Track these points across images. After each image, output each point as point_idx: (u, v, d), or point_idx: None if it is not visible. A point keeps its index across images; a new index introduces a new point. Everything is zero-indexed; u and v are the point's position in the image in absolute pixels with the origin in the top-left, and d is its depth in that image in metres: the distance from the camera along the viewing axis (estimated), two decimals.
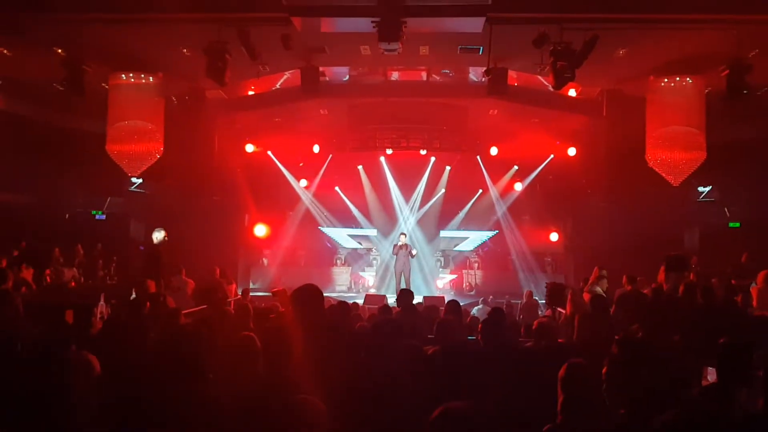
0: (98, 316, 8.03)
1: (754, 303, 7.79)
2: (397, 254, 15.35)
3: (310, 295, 4.36)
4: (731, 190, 15.11)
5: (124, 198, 15.72)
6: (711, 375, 4.89)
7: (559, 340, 6.06)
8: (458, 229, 18.77)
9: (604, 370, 3.40)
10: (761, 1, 8.43)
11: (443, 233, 18.77)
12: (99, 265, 14.09)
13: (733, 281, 10.07)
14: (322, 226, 18.67)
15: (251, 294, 12.80)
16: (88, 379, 3.90)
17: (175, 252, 10.55)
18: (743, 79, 10.00)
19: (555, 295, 9.11)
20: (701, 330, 6.55)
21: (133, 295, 8.96)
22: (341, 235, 18.89)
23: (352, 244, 18.88)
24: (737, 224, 14.99)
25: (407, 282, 15.09)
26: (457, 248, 18.76)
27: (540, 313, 12.65)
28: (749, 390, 4.17)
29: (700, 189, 15.50)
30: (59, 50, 10.28)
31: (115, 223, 15.69)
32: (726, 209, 15.29)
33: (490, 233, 18.50)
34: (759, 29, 9.06)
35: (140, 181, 14.59)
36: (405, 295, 7.69)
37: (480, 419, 2.33)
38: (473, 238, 18.72)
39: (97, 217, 15.87)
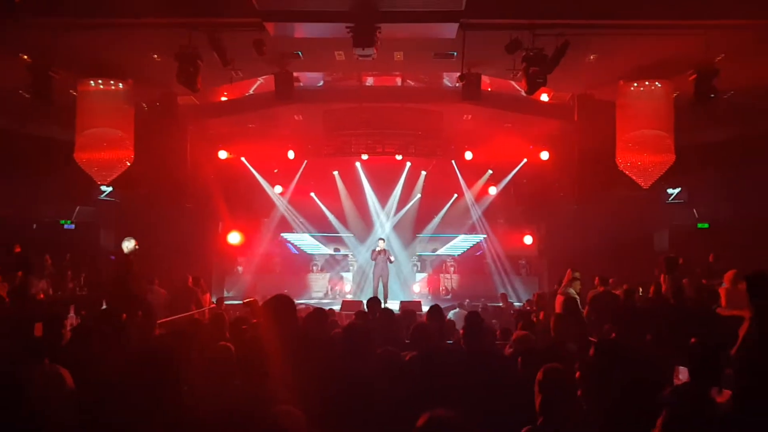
0: (68, 328, 7.87)
1: (723, 303, 7.92)
2: (375, 259, 15.34)
3: (281, 305, 4.33)
4: (700, 191, 15.37)
5: (94, 207, 15.46)
6: (682, 374, 4.95)
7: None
8: (435, 233, 18.82)
9: (577, 375, 3.44)
10: (728, 7, 8.58)
11: (430, 234, 18.84)
12: (68, 275, 13.84)
13: (703, 281, 10.23)
14: (285, 233, 18.57)
15: (226, 303, 12.71)
16: (60, 394, 3.83)
17: (147, 261, 10.42)
18: (710, 83, 10.19)
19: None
20: (672, 330, 6.65)
21: (104, 306, 8.84)
22: (306, 241, 18.79)
23: (319, 250, 18.78)
24: (706, 225, 15.24)
25: (385, 287, 15.09)
26: (441, 251, 18.78)
27: None
28: (720, 388, 4.26)
29: (670, 191, 15.74)
30: (25, 56, 10.08)
31: (84, 232, 15.42)
32: (695, 210, 15.54)
33: (477, 237, 18.57)
34: (725, 34, 9.23)
35: (110, 189, 14.37)
36: (373, 302, 7.71)
37: (465, 426, 2.32)
38: (460, 241, 18.78)
39: (65, 226, 15.59)
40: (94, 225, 15.57)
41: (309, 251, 18.83)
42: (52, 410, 3.51)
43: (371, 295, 15.00)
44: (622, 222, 14.56)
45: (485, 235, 18.33)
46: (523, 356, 4.63)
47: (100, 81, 11.38)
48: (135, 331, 6.01)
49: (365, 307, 8.10)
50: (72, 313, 8.89)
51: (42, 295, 11.66)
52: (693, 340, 4.37)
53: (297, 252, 18.86)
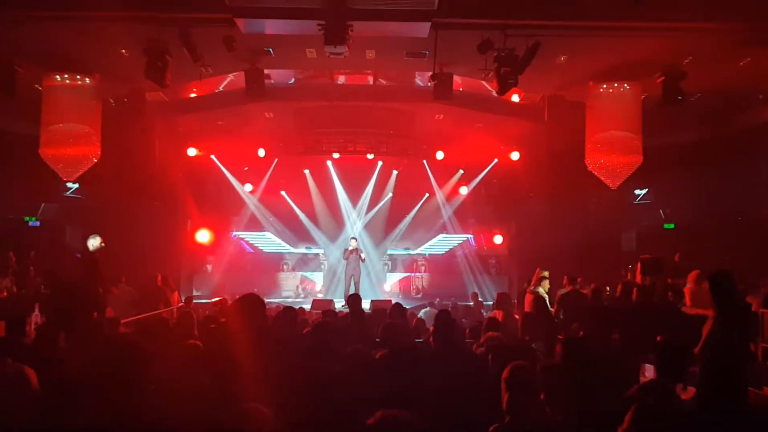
0: (33, 326, 7.72)
1: (687, 302, 8.06)
2: (348, 258, 15.30)
3: (250, 305, 4.30)
4: (666, 192, 15.62)
5: (59, 204, 15.17)
6: (648, 371, 5.02)
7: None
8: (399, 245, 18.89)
9: (541, 376, 3.46)
10: (695, 10, 8.73)
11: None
12: (32, 273, 13.54)
13: (669, 280, 10.39)
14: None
15: (195, 301, 12.57)
16: (24, 394, 3.73)
17: (114, 259, 10.26)
18: (678, 85, 10.38)
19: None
20: (639, 328, 6.74)
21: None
22: (265, 240, 18.67)
23: (280, 249, 18.68)
24: (672, 225, 15.49)
25: (357, 286, 15.06)
26: (420, 250, 18.83)
27: (484, 314, 12.82)
28: (684, 385, 4.34)
29: (637, 192, 15.97)
30: None
31: (49, 229, 15.11)
32: (661, 211, 15.78)
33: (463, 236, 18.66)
34: (693, 37, 9.40)
35: (76, 186, 14.13)
36: (354, 299, 7.66)
37: (418, 426, 2.31)
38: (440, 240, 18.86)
39: (30, 223, 15.26)
40: (60, 222, 15.26)
41: (267, 250, 18.66)
42: (15, 411, 3.42)
43: (342, 295, 15.05)
44: (591, 222, 14.75)
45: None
46: (493, 354, 4.66)
47: (66, 76, 11.18)
48: (99, 330, 5.92)
49: (346, 305, 8.07)
50: (37, 312, 8.69)
51: (6, 293, 11.40)
52: (659, 338, 4.45)
53: (252, 251, 18.66)
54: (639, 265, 9.12)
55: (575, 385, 3.33)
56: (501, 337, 5.71)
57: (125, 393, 3.27)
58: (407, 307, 10.23)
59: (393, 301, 14.16)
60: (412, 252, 18.78)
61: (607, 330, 7.15)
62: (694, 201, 14.50)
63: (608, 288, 10.22)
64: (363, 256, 15.55)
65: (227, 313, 5.23)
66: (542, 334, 6.12)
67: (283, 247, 18.60)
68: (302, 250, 18.73)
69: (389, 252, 18.81)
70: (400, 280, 18.26)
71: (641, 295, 8.11)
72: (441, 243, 18.72)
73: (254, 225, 18.22)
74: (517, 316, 9.29)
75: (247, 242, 18.65)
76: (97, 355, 4.54)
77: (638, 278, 9.21)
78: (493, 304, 11.57)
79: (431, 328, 5.51)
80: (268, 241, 18.58)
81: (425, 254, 18.74)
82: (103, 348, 4.76)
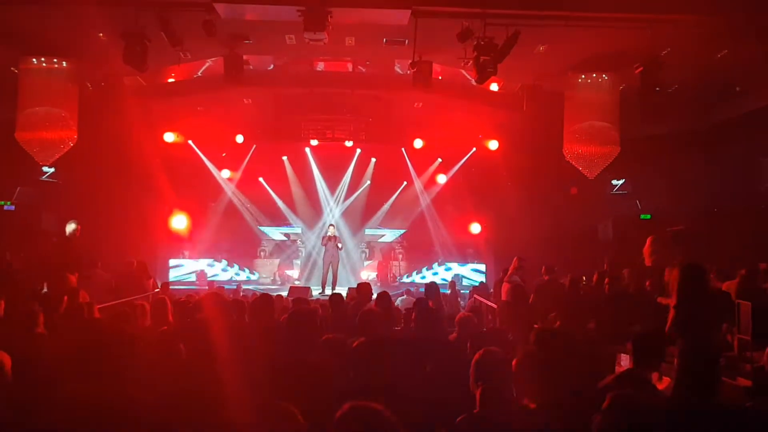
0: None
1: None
2: (326, 245, 15.23)
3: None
4: (643, 183, 15.78)
5: (35, 188, 14.96)
6: (624, 361, 5.09)
7: (483, 330, 6.20)
8: (379, 227, 18.95)
9: (514, 361, 3.49)
10: (674, 1, 8.81)
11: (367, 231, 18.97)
12: (6, 257, 13.34)
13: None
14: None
15: (171, 288, 12.48)
16: None
17: (91, 244, 10.15)
18: (656, 76, 10.47)
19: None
20: (614, 317, 6.84)
21: (45, 290, 8.60)
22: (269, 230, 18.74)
23: (279, 236, 18.70)
24: (648, 216, 15.66)
25: (335, 274, 15.03)
26: (380, 240, 18.91)
27: (462, 303, 12.92)
28: (660, 375, 4.41)
29: (614, 182, 16.12)
30: None
31: (25, 214, 14.90)
32: (638, 201, 15.95)
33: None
34: (671, 28, 9.47)
35: (52, 170, 13.93)
36: (336, 300, 7.58)
37: (388, 418, 2.32)
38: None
39: (5, 207, 15.04)
40: (36, 207, 15.06)
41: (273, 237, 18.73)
42: None
43: (320, 282, 15.05)
44: (568, 212, 14.87)
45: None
46: (471, 340, 4.70)
47: (43, 59, 11.02)
48: (73, 315, 5.86)
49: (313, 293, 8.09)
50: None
51: None
52: (634, 328, 4.52)
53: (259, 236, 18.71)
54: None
55: (549, 374, 3.36)
56: (473, 318, 5.75)
57: (102, 377, 3.27)
58: None
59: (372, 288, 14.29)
60: (379, 232, 18.95)
61: (584, 320, 7.25)
62: (671, 192, 14.67)
63: (584, 278, 10.33)
64: (340, 245, 15.53)
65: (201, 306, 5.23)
66: (518, 323, 6.17)
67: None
68: (280, 236, 18.72)
69: (367, 234, 18.87)
70: (378, 267, 18.28)
71: (615, 284, 8.22)
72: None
73: (232, 211, 18.11)
74: (493, 305, 9.39)
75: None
76: (72, 340, 4.53)
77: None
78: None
79: (413, 316, 5.55)
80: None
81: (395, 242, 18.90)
82: (78, 333, 4.74)
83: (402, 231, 18.87)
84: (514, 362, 3.43)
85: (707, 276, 5.77)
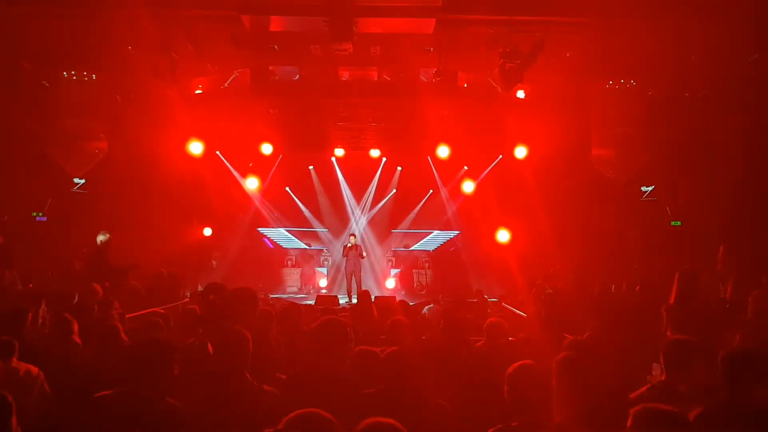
0: (40, 321, 7.74)
1: None
2: (347, 256, 15.27)
3: (247, 299, 4.31)
4: (672, 189, 15.55)
5: (66, 199, 15.21)
6: (655, 370, 4.99)
7: (511, 339, 6.13)
8: (409, 228, 18.85)
9: (554, 373, 3.43)
10: (703, 6, 8.69)
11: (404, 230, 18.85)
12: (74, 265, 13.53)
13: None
14: (261, 228, 18.47)
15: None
16: (30, 392, 3.71)
17: (120, 255, 10.28)
18: (685, 81, 10.34)
19: None
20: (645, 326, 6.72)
21: (76, 299, 8.69)
22: (281, 236, 18.72)
23: (294, 244, 18.73)
24: (678, 222, 15.43)
25: (358, 283, 15.05)
26: (415, 247, 18.84)
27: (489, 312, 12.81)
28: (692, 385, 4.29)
29: (643, 189, 15.90)
30: None
31: (56, 225, 15.16)
32: (667, 208, 15.72)
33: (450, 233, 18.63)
34: (701, 33, 9.35)
35: (83, 181, 14.16)
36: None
37: None
38: (432, 237, 18.85)
39: (37, 218, 15.31)
40: (67, 218, 15.31)
41: (284, 245, 18.74)
42: (20, 410, 3.40)
43: (345, 291, 15.07)
44: (596, 219, 14.69)
45: (458, 231, 18.39)
46: (500, 349, 4.65)
47: (73, 72, 11.23)
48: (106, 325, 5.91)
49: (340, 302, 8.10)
50: (44, 306, 8.71)
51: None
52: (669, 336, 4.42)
53: (272, 246, 18.76)
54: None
55: (582, 387, 3.30)
56: (503, 324, 5.71)
57: (140, 386, 3.27)
58: (411, 303, 10.24)
59: (397, 298, 14.29)
60: (405, 250, 18.80)
61: (615, 328, 7.14)
62: (701, 198, 14.43)
63: (613, 286, 10.20)
64: (364, 253, 15.51)
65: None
66: (549, 332, 6.11)
67: (295, 242, 18.70)
68: (299, 245, 18.81)
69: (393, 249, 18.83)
70: (403, 277, 18.24)
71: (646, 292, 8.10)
72: (433, 240, 18.77)
73: (260, 221, 18.23)
74: (524, 314, 9.30)
75: (269, 239, 18.74)
76: (109, 348, 4.55)
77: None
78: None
79: (442, 324, 5.53)
80: (284, 237, 18.64)
81: (420, 251, 18.79)
82: (114, 341, 4.77)
83: (455, 232, 18.66)
84: (551, 375, 3.36)
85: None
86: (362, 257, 15.33)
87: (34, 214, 15.09)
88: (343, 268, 16.17)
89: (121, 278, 9.60)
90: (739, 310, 6.91)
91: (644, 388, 3.91)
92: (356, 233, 16.51)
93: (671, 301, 6.19)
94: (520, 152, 16.24)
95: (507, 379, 3.32)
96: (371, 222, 18.55)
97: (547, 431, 3.16)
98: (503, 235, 17.46)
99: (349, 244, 15.31)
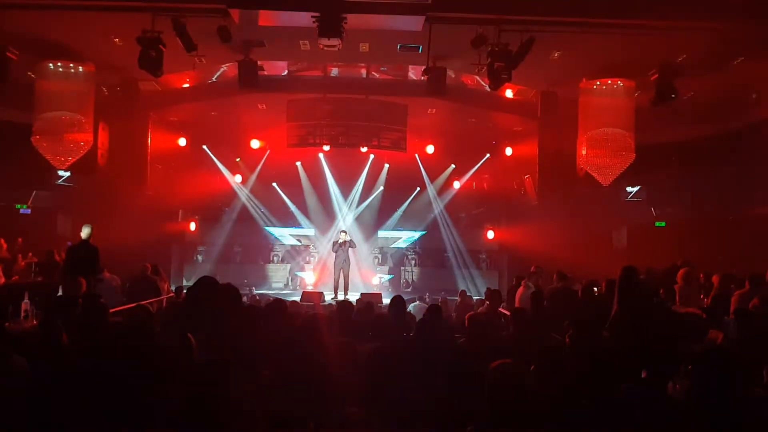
0: (23, 315, 7.69)
1: (677, 300, 8.09)
2: (337, 252, 15.23)
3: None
4: (658, 190, 15.66)
5: (51, 191, 15.10)
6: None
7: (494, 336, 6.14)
8: (395, 228, 18.88)
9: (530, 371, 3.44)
10: (691, 9, 8.75)
11: (380, 233, 18.87)
12: (19, 260, 13.44)
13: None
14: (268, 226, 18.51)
15: (185, 292, 12.52)
16: (18, 386, 3.68)
17: (105, 248, 10.21)
18: (672, 83, 10.41)
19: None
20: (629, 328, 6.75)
21: (60, 293, 8.65)
22: (282, 234, 18.76)
23: (292, 241, 18.74)
24: (663, 223, 15.55)
25: (346, 279, 15.03)
26: (393, 245, 18.88)
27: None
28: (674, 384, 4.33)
29: (629, 189, 16.01)
30: None
31: (40, 217, 15.05)
32: (652, 209, 15.84)
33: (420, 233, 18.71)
34: (687, 35, 9.42)
35: (68, 174, 14.06)
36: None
37: None
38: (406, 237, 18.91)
39: (21, 211, 15.19)
40: (51, 210, 15.20)
41: (287, 243, 18.79)
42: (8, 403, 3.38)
43: (332, 287, 15.05)
44: (582, 218, 14.77)
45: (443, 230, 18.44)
46: (483, 344, 4.65)
47: (59, 64, 11.13)
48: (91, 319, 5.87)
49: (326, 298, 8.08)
50: (26, 300, 8.65)
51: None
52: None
53: (271, 243, 18.75)
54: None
55: (559, 388, 3.32)
56: (482, 318, 5.72)
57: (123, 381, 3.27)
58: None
59: (382, 295, 14.29)
60: (393, 247, 18.85)
61: (598, 328, 7.16)
62: (686, 199, 14.56)
63: (595, 289, 10.24)
64: (354, 244, 15.49)
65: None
66: (532, 330, 6.12)
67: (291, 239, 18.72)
68: (293, 240, 18.76)
69: (381, 236, 18.84)
70: (391, 274, 18.27)
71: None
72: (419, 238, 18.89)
73: (246, 216, 18.18)
74: (506, 312, 9.30)
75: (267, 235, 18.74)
76: (95, 342, 4.52)
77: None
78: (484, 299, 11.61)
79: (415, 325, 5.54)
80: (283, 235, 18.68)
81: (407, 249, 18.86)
82: (100, 335, 4.75)
83: (422, 232, 18.74)
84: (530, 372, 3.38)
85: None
86: (352, 247, 15.23)
87: (18, 206, 14.98)
88: (330, 264, 16.13)
89: (99, 272, 9.52)
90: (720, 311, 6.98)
91: (623, 387, 3.91)
92: (346, 229, 16.47)
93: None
94: (508, 151, 16.34)
95: (487, 379, 3.33)
96: (358, 219, 18.54)
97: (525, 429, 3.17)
98: (490, 234, 17.58)
99: (340, 240, 15.25)
